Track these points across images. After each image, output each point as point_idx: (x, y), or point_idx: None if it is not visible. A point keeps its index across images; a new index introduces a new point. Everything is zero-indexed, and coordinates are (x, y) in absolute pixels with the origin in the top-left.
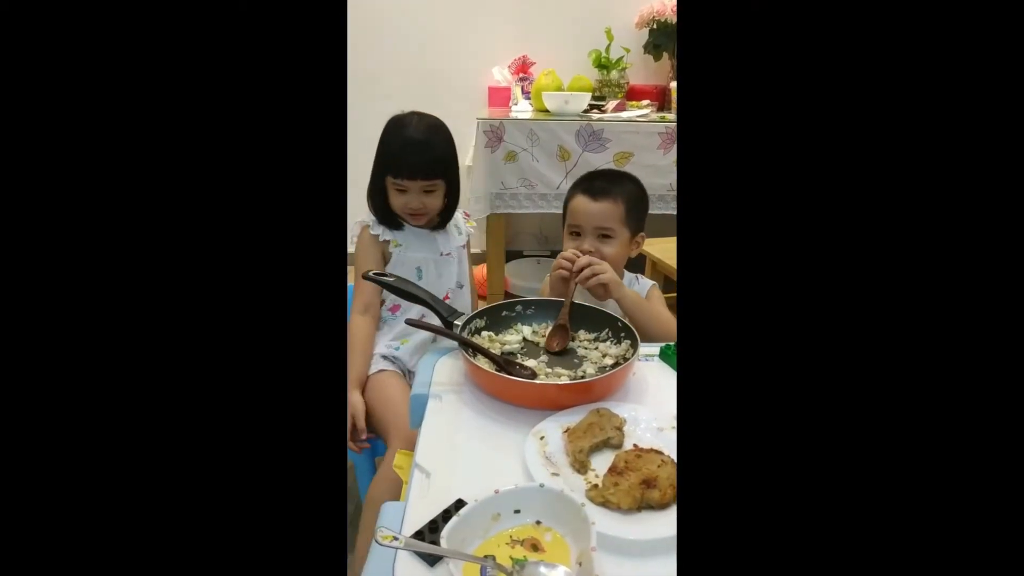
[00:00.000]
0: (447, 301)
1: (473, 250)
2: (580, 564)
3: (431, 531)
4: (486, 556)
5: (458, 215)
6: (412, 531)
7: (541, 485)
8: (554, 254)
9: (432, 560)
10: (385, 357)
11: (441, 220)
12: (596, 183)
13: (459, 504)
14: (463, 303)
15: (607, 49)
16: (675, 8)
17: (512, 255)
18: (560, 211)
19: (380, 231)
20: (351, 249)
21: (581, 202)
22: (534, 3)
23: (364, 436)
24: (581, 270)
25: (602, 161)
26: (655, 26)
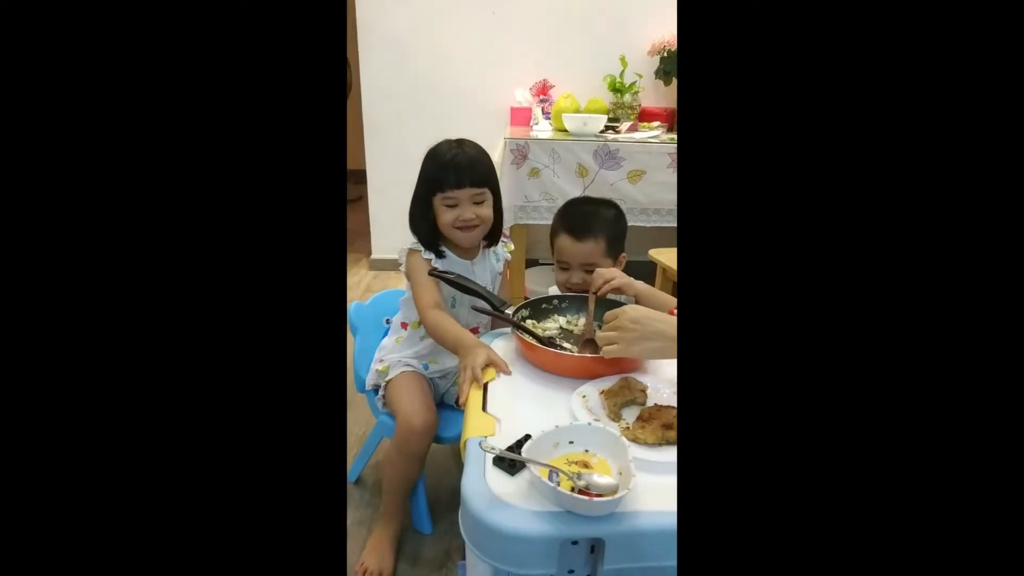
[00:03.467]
0: (476, 334)
1: None
2: (620, 474)
3: (510, 451)
4: (552, 468)
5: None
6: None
7: (589, 423)
8: None
9: (512, 471)
10: (409, 365)
11: (491, 236)
12: (576, 222)
13: (526, 437)
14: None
15: (621, 74)
16: None
17: (528, 263)
18: None
19: (430, 255)
20: (402, 267)
21: (566, 242)
22: (554, 31)
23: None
24: (599, 288)
25: (617, 178)
26: (665, 54)
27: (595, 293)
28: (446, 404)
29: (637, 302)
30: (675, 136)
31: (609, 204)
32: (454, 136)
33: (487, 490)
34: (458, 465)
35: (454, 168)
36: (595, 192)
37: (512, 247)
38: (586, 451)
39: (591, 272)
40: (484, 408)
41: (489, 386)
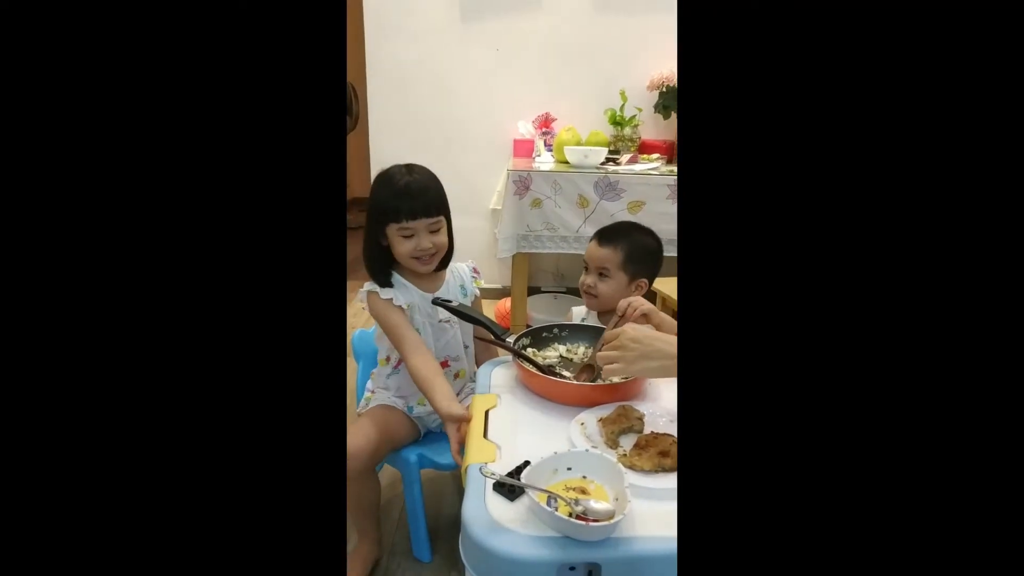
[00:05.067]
0: (446, 368)
1: (497, 285)
2: (616, 500)
3: (510, 476)
4: (550, 494)
5: (465, 270)
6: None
7: (587, 450)
8: (570, 291)
9: (512, 497)
10: (392, 403)
11: (444, 261)
12: (607, 233)
13: (525, 463)
14: (469, 366)
15: (621, 108)
16: None
17: (530, 291)
18: (579, 252)
19: (390, 295)
20: (364, 307)
21: (592, 245)
22: (556, 66)
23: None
24: (623, 311)
25: (617, 209)
26: (664, 89)
27: (620, 316)
28: (442, 433)
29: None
30: (674, 168)
31: (649, 233)
32: (460, 168)
33: (487, 515)
34: (458, 493)
35: (408, 197)
36: (595, 222)
37: (482, 283)
38: (584, 477)
39: (604, 276)
40: (485, 435)
41: (490, 414)
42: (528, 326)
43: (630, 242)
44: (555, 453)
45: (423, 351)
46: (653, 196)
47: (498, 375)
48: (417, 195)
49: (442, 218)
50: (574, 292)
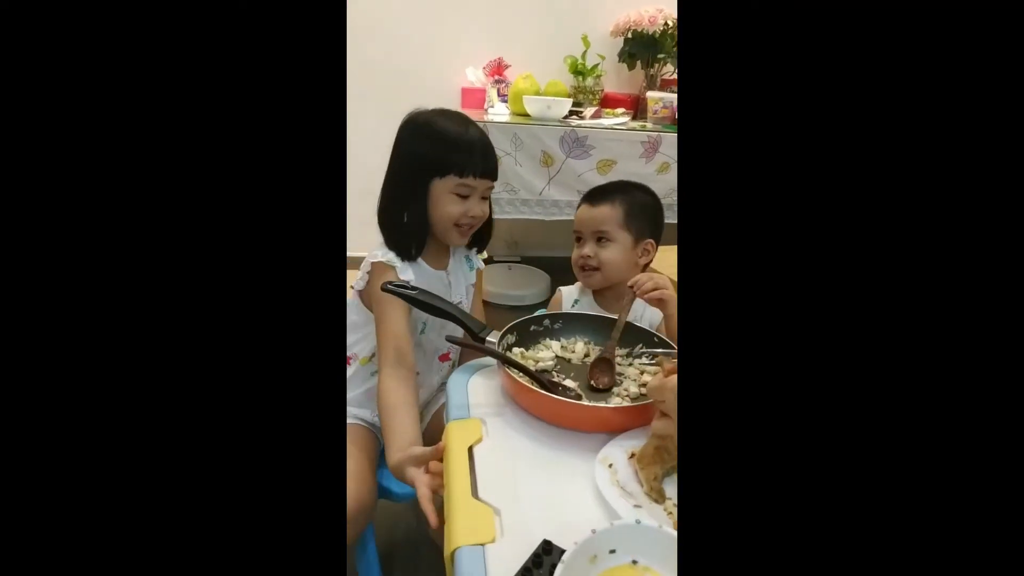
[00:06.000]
0: (446, 362)
1: None
2: None
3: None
4: None
5: None
6: None
7: (638, 521)
8: (525, 260)
9: None
10: (358, 418)
11: (482, 238)
12: (597, 192)
13: (547, 546)
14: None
15: (583, 55)
16: (652, 18)
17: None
18: (542, 217)
19: (409, 274)
20: (355, 286)
21: (582, 209)
22: (509, 6)
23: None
24: (643, 287)
25: (585, 168)
26: (631, 35)
27: (634, 291)
28: None
29: (667, 324)
30: (645, 124)
31: (644, 188)
32: (396, 118)
33: None
34: (412, 513)
35: (481, 151)
36: (561, 183)
37: (485, 255)
38: (634, 562)
39: (604, 241)
40: (475, 493)
41: (475, 452)
42: (484, 302)
43: (628, 197)
44: (593, 532)
45: (404, 371)
46: (625, 154)
47: (478, 389)
48: (490, 152)
49: (494, 185)
50: (530, 261)
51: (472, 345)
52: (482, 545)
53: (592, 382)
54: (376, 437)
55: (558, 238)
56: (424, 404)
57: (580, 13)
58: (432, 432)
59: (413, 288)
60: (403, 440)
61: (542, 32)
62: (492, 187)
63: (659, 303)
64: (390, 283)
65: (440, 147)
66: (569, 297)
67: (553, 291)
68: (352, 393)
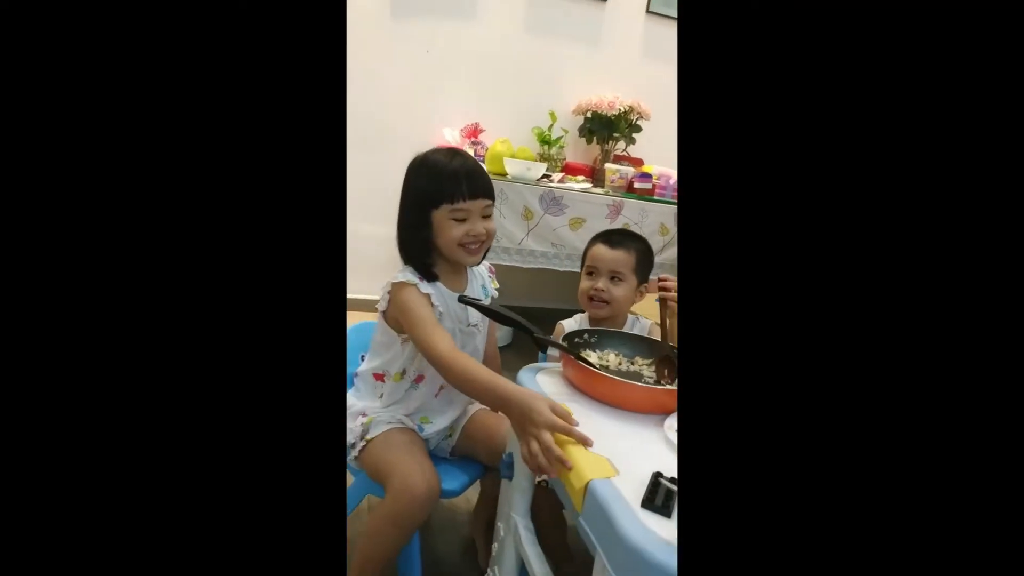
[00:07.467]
0: None
1: None
2: None
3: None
4: None
5: (484, 271)
6: (635, 499)
7: None
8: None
9: (668, 512)
10: (400, 422)
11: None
12: (614, 236)
13: (658, 475)
14: None
15: (550, 128)
16: (610, 103)
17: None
18: (520, 264)
19: (429, 290)
20: (380, 306)
21: (600, 249)
22: (486, 78)
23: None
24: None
25: (559, 224)
26: (590, 115)
27: (665, 292)
28: (436, 455)
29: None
30: (607, 190)
31: (647, 243)
32: (386, 168)
33: (652, 535)
34: (452, 525)
35: (464, 177)
36: (538, 235)
37: (498, 285)
38: None
39: (617, 280)
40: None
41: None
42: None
43: (638, 246)
44: None
45: (464, 353)
46: (593, 214)
47: (545, 382)
48: (475, 175)
49: (492, 203)
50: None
51: (560, 345)
52: (608, 478)
53: (659, 376)
54: (419, 437)
55: (533, 288)
56: (465, 404)
57: (548, 92)
58: (472, 428)
59: (478, 299)
60: (522, 396)
61: (514, 104)
62: (490, 204)
63: (671, 311)
64: (464, 296)
65: (433, 182)
66: (570, 328)
67: (513, 338)
68: (389, 402)
